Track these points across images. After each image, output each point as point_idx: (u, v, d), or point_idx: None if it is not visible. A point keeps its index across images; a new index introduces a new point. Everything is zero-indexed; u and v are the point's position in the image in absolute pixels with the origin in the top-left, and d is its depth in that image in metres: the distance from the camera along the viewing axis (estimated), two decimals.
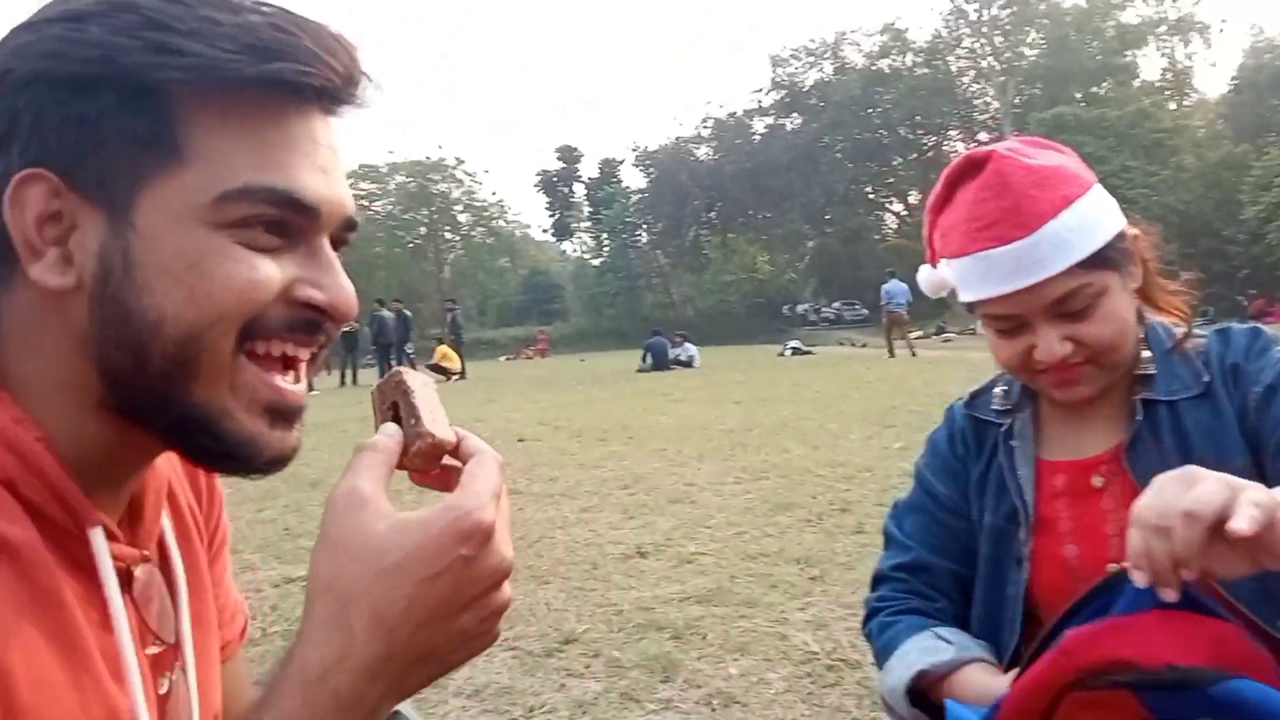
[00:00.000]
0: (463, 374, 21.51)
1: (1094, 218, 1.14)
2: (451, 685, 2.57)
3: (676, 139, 53.85)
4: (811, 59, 51.71)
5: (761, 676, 2.53)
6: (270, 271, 0.61)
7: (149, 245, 0.59)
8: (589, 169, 62.69)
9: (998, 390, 1.34)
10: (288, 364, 0.65)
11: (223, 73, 0.58)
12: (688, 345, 21.97)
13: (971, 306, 1.21)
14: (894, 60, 49.75)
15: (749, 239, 53.65)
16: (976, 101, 50.30)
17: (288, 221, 0.62)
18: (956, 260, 1.18)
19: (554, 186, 62.57)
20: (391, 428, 0.67)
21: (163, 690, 0.69)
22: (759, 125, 52.51)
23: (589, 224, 61.86)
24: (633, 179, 57.84)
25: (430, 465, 0.68)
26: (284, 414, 0.65)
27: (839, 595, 3.17)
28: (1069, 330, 1.14)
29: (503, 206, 62.08)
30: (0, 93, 0.60)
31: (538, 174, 63.10)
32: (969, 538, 1.30)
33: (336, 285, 0.64)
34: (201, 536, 0.82)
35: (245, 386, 0.63)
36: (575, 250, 67.03)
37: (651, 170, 53.43)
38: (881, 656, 1.29)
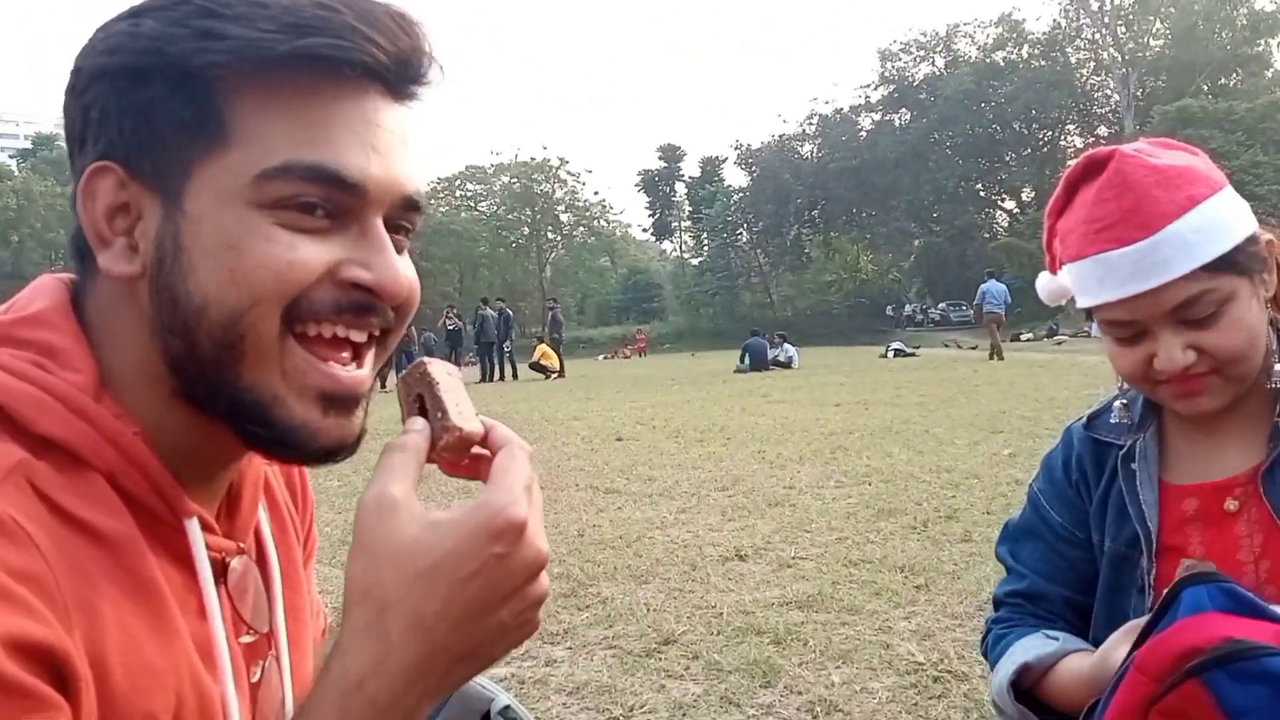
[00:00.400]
0: (561, 372, 21.75)
1: (1222, 220, 1.08)
2: (553, 681, 2.60)
3: (780, 136, 53.27)
4: (922, 53, 50.53)
5: (864, 685, 2.48)
6: (311, 252, 0.60)
7: (195, 229, 0.60)
8: (691, 168, 62.72)
9: (1117, 406, 1.27)
10: (347, 349, 0.64)
11: (259, 50, 0.58)
12: (787, 346, 21.75)
13: (1090, 312, 1.15)
14: (1009, 52, 48.20)
15: (852, 238, 52.77)
16: (1096, 94, 48.38)
17: (334, 200, 0.61)
18: (1074, 264, 1.13)
19: (655, 186, 62.76)
20: (419, 423, 0.65)
21: (254, 678, 0.70)
22: (865, 121, 51.56)
23: (689, 223, 61.86)
24: (735, 178, 57.60)
25: (459, 458, 0.67)
26: (339, 401, 0.64)
27: (945, 605, 3.09)
28: (1192, 338, 1.08)
29: (604, 206, 62.51)
30: (74, 93, 0.63)
31: (639, 173, 63.44)
32: (1087, 565, 1.25)
33: (385, 265, 0.63)
34: (297, 533, 0.83)
35: (295, 371, 0.62)
36: (675, 249, 67.11)
37: (754, 169, 53.03)
38: (993, 662, 1.25)
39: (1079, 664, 1.12)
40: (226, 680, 0.64)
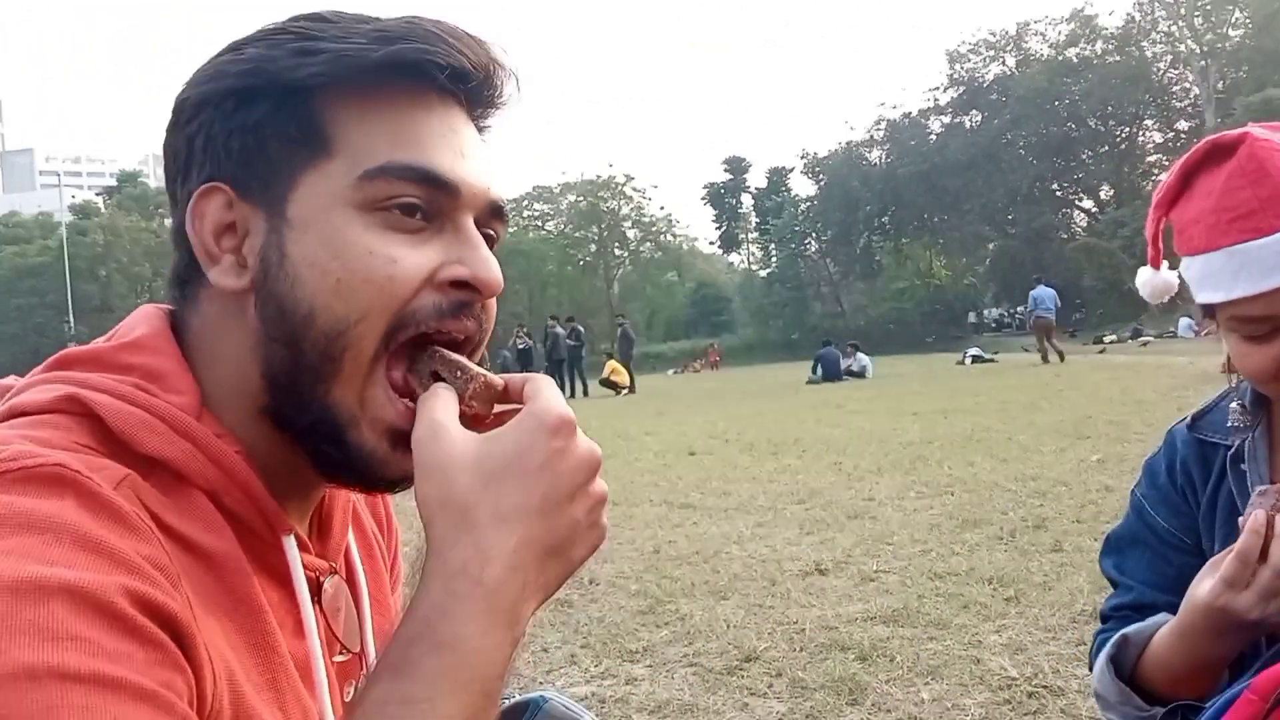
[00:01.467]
0: (632, 388, 21.78)
1: None
2: (634, 700, 2.57)
3: (847, 143, 52.74)
4: (992, 52, 49.54)
5: (956, 702, 2.40)
6: (412, 261, 0.63)
7: (299, 237, 0.63)
8: (756, 179, 62.47)
9: (1234, 407, 1.19)
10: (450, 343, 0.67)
11: (354, 60, 0.62)
12: (860, 355, 21.47)
13: (1211, 311, 1.08)
14: (1083, 49, 46.95)
15: (924, 243, 51.92)
16: (1174, 88, 46.82)
17: (430, 201, 0.64)
18: (1200, 257, 1.06)
19: (721, 198, 62.65)
20: (440, 385, 0.66)
21: (348, 698, 0.72)
22: (935, 125, 50.73)
23: (756, 234, 61.58)
24: (801, 187, 57.20)
25: (486, 408, 0.67)
26: (401, 439, 0.65)
27: (1037, 617, 2.98)
28: None
29: (670, 221, 62.53)
30: (180, 124, 0.66)
31: (705, 186, 63.38)
32: (1196, 572, 1.18)
33: (479, 260, 0.66)
34: (384, 560, 0.85)
35: (373, 402, 0.65)
36: (743, 261, 66.86)
37: (821, 177, 52.60)
38: (1095, 658, 1.20)
39: (1171, 622, 1.09)
40: (324, 696, 0.66)
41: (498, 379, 0.67)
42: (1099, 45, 46.81)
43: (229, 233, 0.65)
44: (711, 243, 66.10)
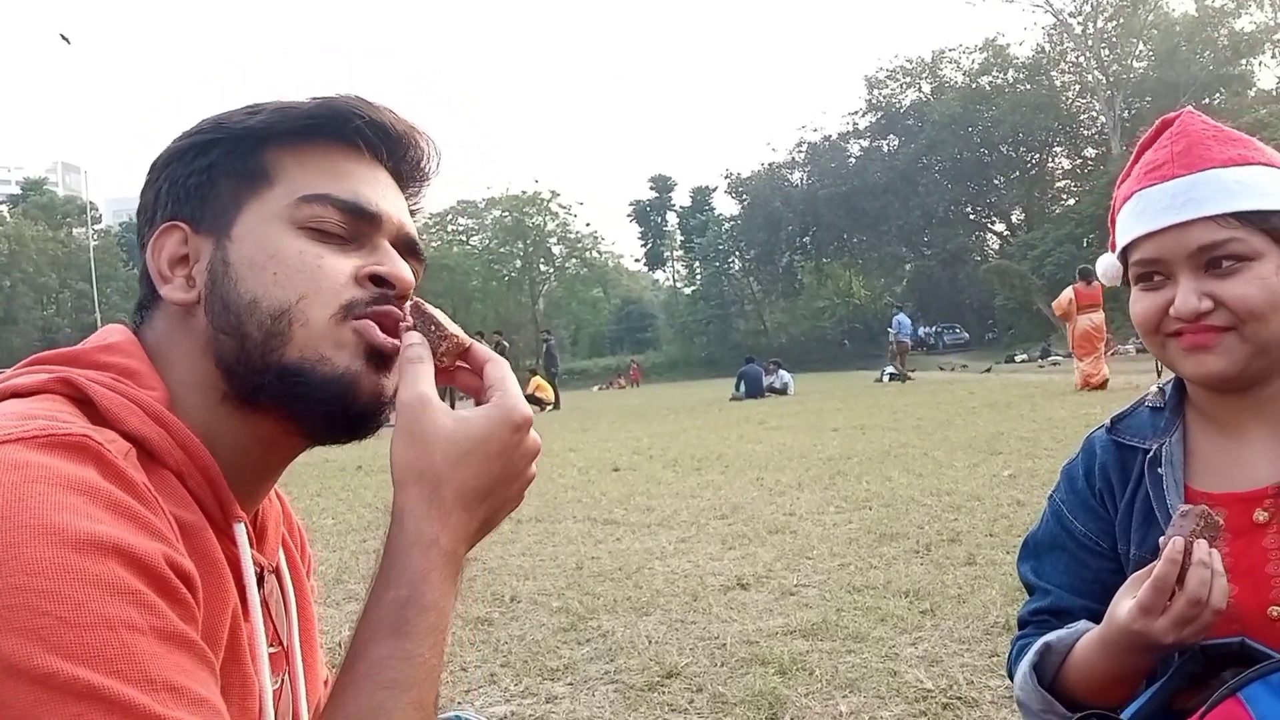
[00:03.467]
0: (557, 404, 21.69)
1: (1266, 185, 1.08)
2: (554, 718, 2.54)
3: (770, 165, 53.65)
4: (908, 79, 50.97)
5: (874, 715, 2.42)
6: (337, 260, 0.75)
7: (239, 246, 0.75)
8: (681, 198, 63.07)
9: (1152, 391, 1.24)
10: (383, 328, 0.78)
11: (293, 111, 0.77)
12: (782, 372, 21.74)
13: (1126, 271, 1.14)
14: (995, 77, 48.62)
15: (844, 263, 53.00)
16: (1082, 116, 48.75)
17: (353, 228, 0.77)
18: (1121, 212, 1.14)
19: (647, 216, 63.08)
20: (416, 335, 0.77)
21: (275, 686, 0.79)
22: (854, 148, 51.94)
23: (681, 252, 62.11)
24: (725, 206, 57.89)
25: (452, 363, 0.79)
26: (382, 357, 0.76)
27: (952, 629, 3.03)
28: (1211, 287, 1.06)
29: (596, 238, 62.79)
30: (150, 181, 0.80)
31: (631, 204, 63.84)
32: (1113, 576, 1.20)
33: (394, 262, 0.78)
34: (304, 572, 0.92)
35: (345, 338, 0.75)
36: (667, 279, 67.33)
37: (744, 197, 53.35)
38: (1016, 666, 1.21)
39: (1092, 632, 1.11)
40: (265, 676, 0.74)
41: (466, 339, 0.79)
42: (1010, 74, 48.53)
43: (181, 262, 0.76)
44: (637, 260, 66.60)
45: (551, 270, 61.34)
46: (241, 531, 0.74)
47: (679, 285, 63.74)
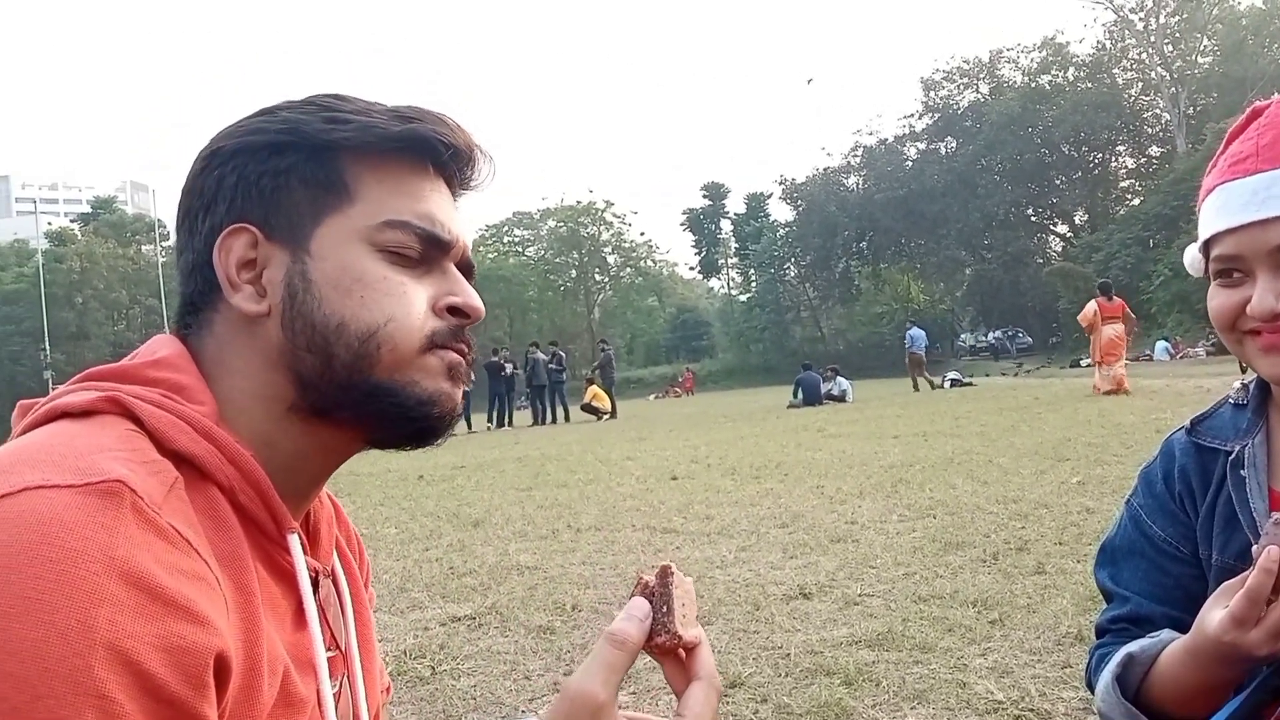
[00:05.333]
0: (613, 413, 21.73)
1: None
2: None
3: (825, 170, 53.12)
4: (965, 80, 50.21)
5: None
6: (417, 288, 0.76)
7: (320, 265, 0.74)
8: (735, 205, 62.83)
9: (1235, 387, 1.19)
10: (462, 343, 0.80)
11: (378, 131, 0.75)
12: (840, 379, 21.53)
13: (1208, 265, 1.10)
14: (1055, 76, 47.67)
15: (902, 268, 52.29)
16: (1145, 114, 47.57)
17: (425, 253, 0.77)
18: (1203, 206, 1.09)
19: (701, 224, 62.94)
20: (641, 609, 0.72)
21: (335, 689, 0.78)
22: (911, 151, 51.24)
23: (736, 260, 61.85)
24: (780, 213, 57.54)
25: (666, 658, 0.74)
26: (458, 373, 0.78)
27: (1022, 640, 2.97)
28: None
29: (650, 246, 62.89)
30: (210, 167, 0.77)
31: (684, 212, 63.66)
32: (1194, 583, 1.16)
33: (467, 292, 0.79)
34: (359, 574, 0.92)
35: (433, 365, 0.76)
36: (722, 286, 67.10)
37: (799, 203, 52.91)
38: (1097, 676, 1.17)
39: (1178, 642, 1.07)
40: (324, 677, 0.73)
41: (694, 638, 0.73)
42: (1071, 72, 47.56)
43: (248, 266, 0.75)
44: (691, 268, 66.36)
45: (606, 280, 61.58)
46: (295, 541, 0.74)
47: (734, 293, 63.48)
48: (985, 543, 4.39)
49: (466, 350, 0.79)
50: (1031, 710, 2.42)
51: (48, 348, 50.27)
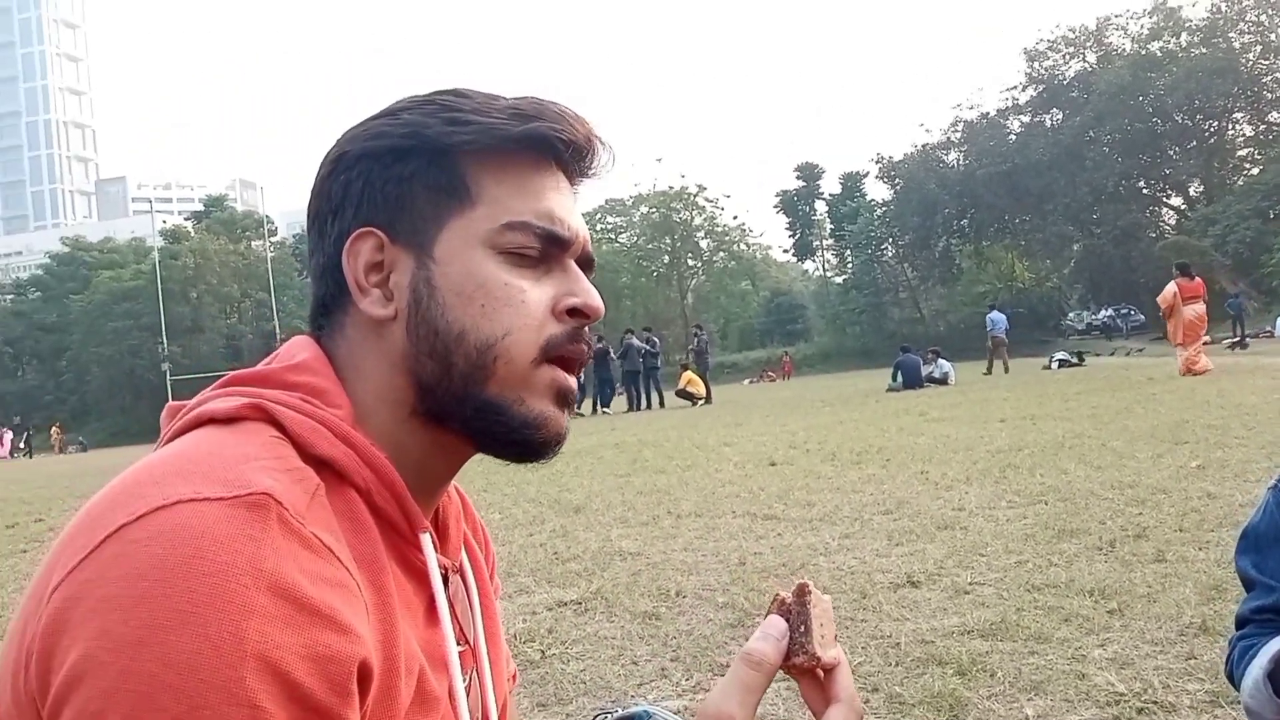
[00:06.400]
0: (708, 398, 21.71)
1: None
2: None
3: (923, 146, 51.82)
4: (1072, 49, 48.26)
5: (1061, 718, 2.32)
6: (537, 292, 0.76)
7: (444, 270, 0.75)
8: (830, 185, 61.90)
9: None
10: (567, 365, 0.79)
11: (498, 132, 0.76)
12: (941, 361, 21.04)
13: None
14: (1166, 42, 45.42)
15: (1005, 246, 50.75)
16: (1265, 79, 45.01)
17: (546, 251, 0.77)
18: None
19: (794, 205, 62.22)
20: (777, 628, 0.71)
21: (466, 683, 0.80)
22: (1014, 124, 49.60)
23: (831, 241, 60.99)
24: (876, 192, 56.45)
25: (804, 677, 0.72)
26: (567, 399, 0.78)
27: (1143, 630, 2.87)
28: None
29: (743, 230, 62.29)
30: (337, 171, 0.78)
31: (777, 194, 63.02)
32: None
33: (586, 291, 0.79)
34: (485, 567, 0.94)
35: (540, 382, 0.77)
36: (817, 269, 66.23)
37: (897, 181, 51.81)
38: (1240, 669, 1.13)
39: None
40: (457, 675, 0.75)
41: (833, 659, 0.71)
42: (1184, 38, 45.26)
43: (375, 269, 0.76)
44: (785, 250, 65.72)
45: (699, 264, 61.35)
46: (427, 541, 0.75)
47: (829, 275, 62.60)
48: (1101, 530, 4.25)
49: (585, 351, 0.79)
50: (1155, 703, 2.34)
51: (165, 341, 52.78)
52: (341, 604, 0.61)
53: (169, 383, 51.36)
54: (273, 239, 63.49)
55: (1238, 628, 1.19)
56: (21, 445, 43.07)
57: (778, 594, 0.73)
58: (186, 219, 71.43)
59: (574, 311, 0.78)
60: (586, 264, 0.82)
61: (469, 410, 0.75)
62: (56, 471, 20.61)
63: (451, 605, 0.79)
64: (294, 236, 70.76)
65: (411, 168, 0.76)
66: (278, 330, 52.79)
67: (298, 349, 0.77)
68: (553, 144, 0.77)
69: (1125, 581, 3.40)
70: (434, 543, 0.78)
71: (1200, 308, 14.27)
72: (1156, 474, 5.54)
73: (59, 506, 10.39)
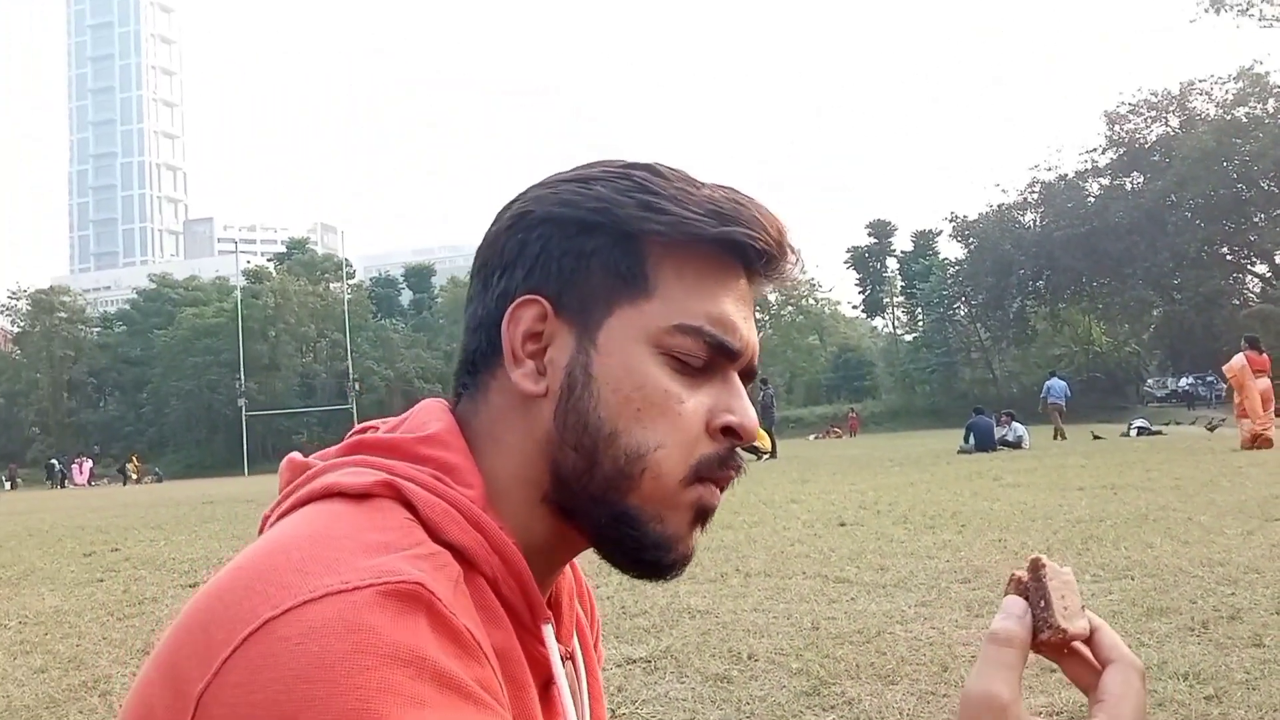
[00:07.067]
0: (774, 453, 21.49)
1: None
2: None
3: (999, 206, 51.23)
4: (1154, 113, 47.50)
5: None
6: (694, 403, 0.71)
7: (605, 361, 0.70)
8: (902, 243, 61.48)
9: None
10: (718, 484, 0.73)
11: (692, 229, 0.71)
12: (1015, 424, 20.56)
13: None
14: (1252, 108, 44.49)
15: (1082, 309, 49.70)
16: None
17: (711, 361, 0.72)
18: None
19: (865, 262, 61.87)
20: (1018, 606, 0.66)
21: None
22: (1093, 187, 48.82)
23: (902, 298, 60.39)
24: (949, 250, 55.87)
25: (1056, 653, 0.68)
26: (706, 520, 0.73)
27: (1243, 719, 2.73)
28: None
29: (812, 284, 62.09)
30: (517, 228, 0.74)
31: (848, 250, 62.73)
32: None
33: (744, 409, 0.73)
34: (594, 644, 0.90)
35: (686, 500, 0.71)
36: (887, 325, 65.56)
37: (971, 240, 51.22)
38: None
39: None
40: None
41: (1082, 629, 0.66)
42: (1270, 103, 44.22)
43: (533, 340, 0.72)
44: (855, 306, 65.19)
45: (768, 318, 61.22)
46: (549, 633, 0.72)
47: (899, 332, 61.95)
48: (1192, 609, 4.07)
49: (734, 476, 0.74)
50: None
51: (242, 377, 54.16)
52: (495, 685, 0.59)
53: (244, 418, 52.71)
54: (350, 281, 65.07)
55: None
56: (118, 471, 46.04)
57: (1013, 574, 0.69)
58: (269, 260, 73.60)
59: (727, 430, 0.72)
60: (748, 375, 0.77)
61: (603, 516, 0.71)
62: (132, 501, 21.18)
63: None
64: (370, 280, 72.63)
65: (594, 244, 0.72)
66: (350, 370, 53.92)
67: (430, 417, 0.74)
68: (745, 250, 0.73)
69: (1222, 666, 3.24)
70: (557, 631, 0.75)
71: (1266, 381, 14.22)
72: (1248, 552, 5.31)
73: (134, 536, 10.66)
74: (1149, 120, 47.73)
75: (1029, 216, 50.07)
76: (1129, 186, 47.35)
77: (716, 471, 0.72)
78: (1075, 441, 20.91)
